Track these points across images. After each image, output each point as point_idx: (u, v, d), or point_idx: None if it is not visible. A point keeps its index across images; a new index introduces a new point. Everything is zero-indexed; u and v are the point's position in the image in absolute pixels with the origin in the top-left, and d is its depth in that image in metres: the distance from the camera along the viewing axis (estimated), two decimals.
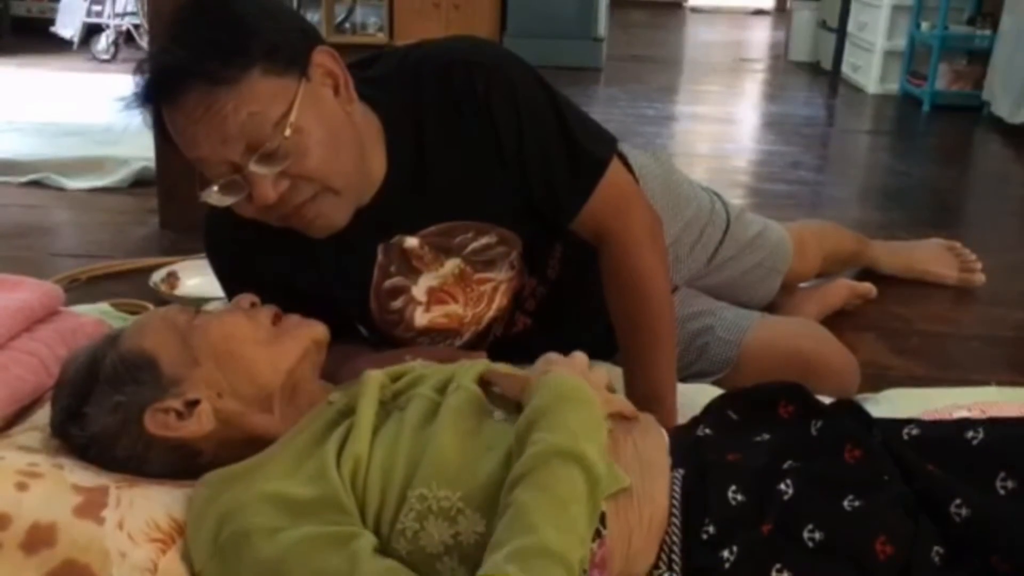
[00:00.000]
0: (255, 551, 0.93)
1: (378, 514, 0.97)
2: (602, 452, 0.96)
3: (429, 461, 0.98)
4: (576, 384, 1.00)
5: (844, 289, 2.12)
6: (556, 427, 0.94)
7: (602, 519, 0.96)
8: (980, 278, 2.30)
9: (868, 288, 2.14)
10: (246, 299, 1.18)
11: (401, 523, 0.96)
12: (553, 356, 1.09)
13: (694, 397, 1.38)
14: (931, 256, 2.33)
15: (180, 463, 1.09)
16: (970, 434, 0.98)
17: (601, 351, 1.57)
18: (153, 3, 2.54)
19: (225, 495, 1.00)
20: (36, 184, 3.02)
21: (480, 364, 1.15)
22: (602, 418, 1.00)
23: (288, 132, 1.12)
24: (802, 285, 2.09)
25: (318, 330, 1.16)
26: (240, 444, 1.08)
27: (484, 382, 1.10)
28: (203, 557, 0.98)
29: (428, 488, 0.96)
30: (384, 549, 0.97)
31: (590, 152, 1.33)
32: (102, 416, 1.07)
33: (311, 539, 0.92)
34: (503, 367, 1.16)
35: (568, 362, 1.08)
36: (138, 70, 1.14)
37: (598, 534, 0.95)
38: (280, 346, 1.12)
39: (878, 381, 1.70)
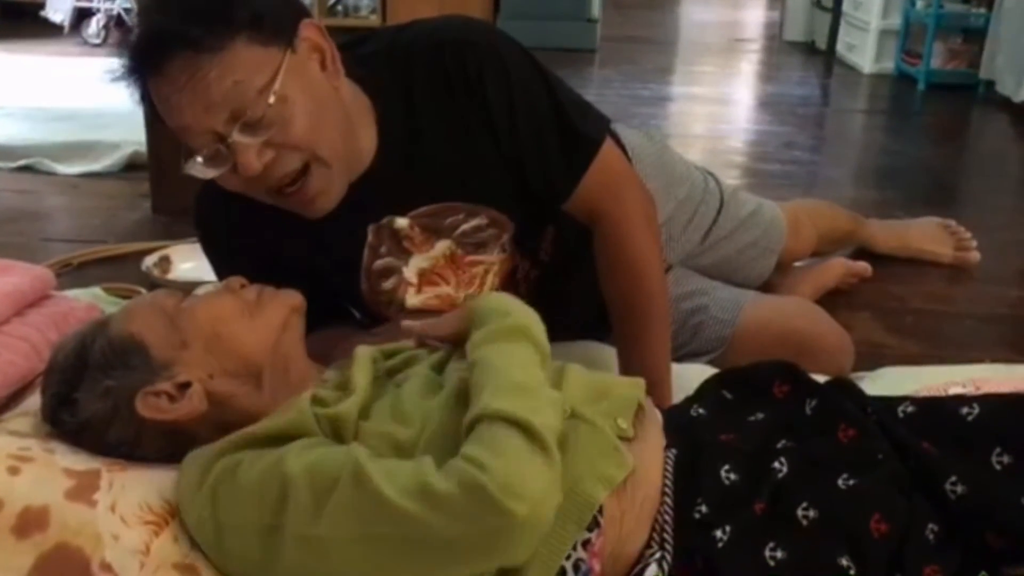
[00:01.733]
0: (245, 471, 0.94)
1: None
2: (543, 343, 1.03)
3: (431, 438, 0.97)
4: (508, 297, 1.09)
5: (839, 268, 2.12)
6: (502, 316, 1.03)
7: (600, 509, 0.96)
8: (975, 256, 2.30)
9: (863, 267, 2.14)
10: (236, 281, 1.17)
11: None
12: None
13: (688, 377, 1.38)
14: (926, 235, 2.33)
15: (172, 447, 1.08)
16: (965, 410, 0.98)
17: (594, 332, 1.58)
18: None
19: (205, 453, 1.01)
20: (27, 169, 3.02)
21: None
22: (527, 321, 1.05)
23: (272, 100, 1.11)
24: (797, 264, 2.09)
25: (295, 298, 1.16)
26: (232, 425, 1.07)
27: (421, 345, 1.14)
28: (195, 509, 0.98)
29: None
30: None
31: (583, 132, 1.32)
32: (93, 402, 1.07)
33: (302, 444, 0.95)
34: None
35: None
36: (122, 44, 1.13)
37: (596, 523, 0.95)
38: (262, 319, 1.12)
39: (873, 360, 1.70)
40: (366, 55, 1.31)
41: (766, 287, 1.96)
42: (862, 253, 2.26)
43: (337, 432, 0.99)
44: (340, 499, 0.88)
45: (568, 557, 0.93)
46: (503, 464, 0.84)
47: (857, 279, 2.13)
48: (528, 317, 1.05)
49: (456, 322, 1.09)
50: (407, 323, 1.17)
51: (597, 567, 0.94)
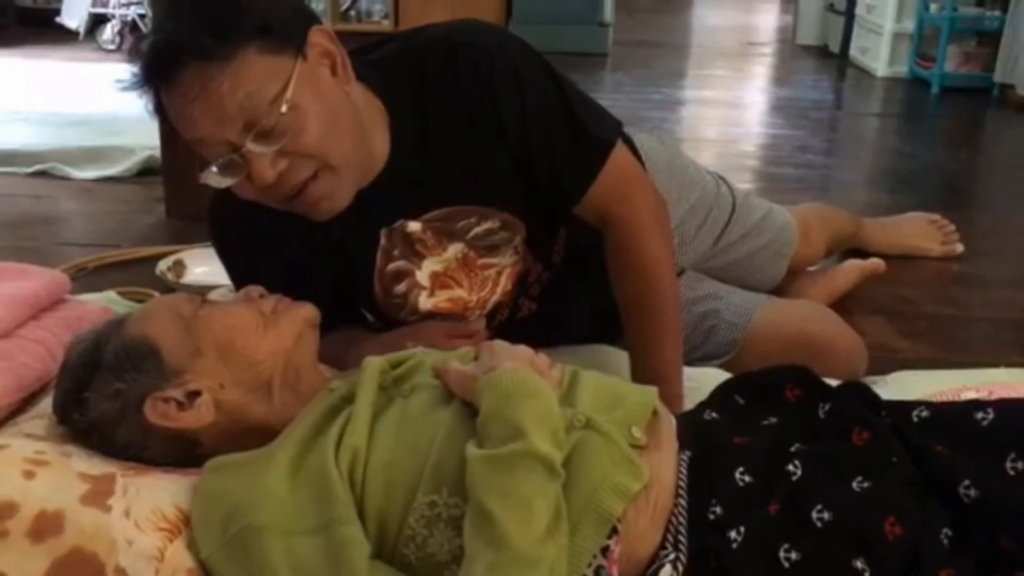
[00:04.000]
0: (265, 552, 0.94)
1: (383, 512, 0.97)
2: (556, 435, 0.95)
3: (439, 464, 0.97)
4: (519, 378, 0.98)
5: (853, 272, 2.11)
6: (506, 430, 0.93)
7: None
8: (958, 247, 2.39)
9: (876, 264, 2.13)
10: (255, 291, 1.18)
11: (410, 528, 0.96)
12: (497, 347, 1.06)
13: (701, 380, 1.38)
14: (915, 231, 2.38)
15: (179, 451, 1.09)
16: (979, 415, 0.97)
17: (606, 335, 1.58)
18: None
19: (232, 486, 1.00)
20: (43, 174, 3.03)
21: (446, 356, 1.14)
22: (552, 402, 0.98)
23: (284, 109, 1.11)
24: (810, 269, 2.08)
25: (308, 310, 1.16)
26: (240, 434, 1.08)
27: (436, 375, 1.08)
28: (210, 547, 0.98)
29: (439, 495, 0.96)
30: (391, 553, 0.97)
31: (595, 135, 1.32)
32: (102, 402, 1.07)
33: (317, 551, 0.94)
34: (463, 352, 1.15)
35: (511, 352, 1.05)
36: (133, 52, 1.14)
37: (614, 531, 0.95)
38: (276, 330, 1.12)
39: (886, 364, 1.70)
40: (378, 60, 1.31)
41: (778, 292, 1.95)
42: (855, 252, 2.26)
43: (353, 470, 0.98)
44: None
45: (589, 564, 0.93)
46: None
47: (872, 277, 2.11)
48: (533, 423, 0.94)
49: (467, 387, 1.03)
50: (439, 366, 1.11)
51: (615, 572, 0.94)
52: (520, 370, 0.99)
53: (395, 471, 0.98)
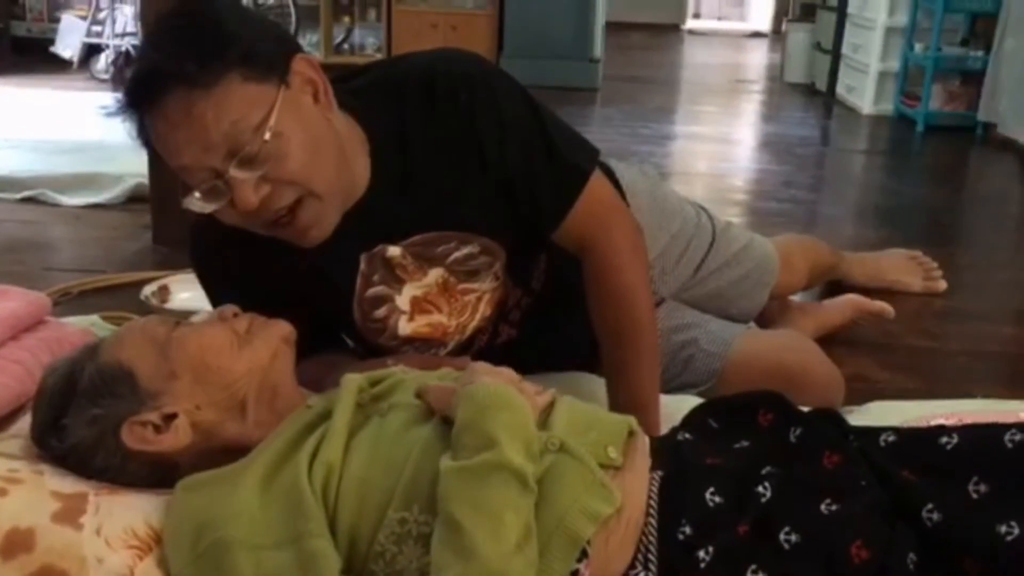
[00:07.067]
0: (235, 566, 0.94)
1: (354, 529, 0.98)
2: (529, 448, 0.96)
3: (412, 481, 0.98)
4: (496, 391, 0.99)
5: (848, 307, 2.09)
6: (480, 440, 0.94)
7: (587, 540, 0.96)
8: (942, 284, 2.39)
9: (881, 307, 2.08)
10: (229, 310, 1.19)
11: (380, 544, 0.97)
12: (478, 366, 1.08)
13: (678, 408, 1.38)
14: (897, 266, 2.40)
15: (157, 475, 1.09)
16: (944, 440, 0.98)
17: (586, 362, 1.59)
18: (149, 24, 2.57)
19: (203, 501, 1.00)
20: (32, 200, 3.04)
21: (428, 376, 1.15)
22: (528, 416, 1.00)
23: (268, 136, 1.13)
24: (795, 298, 2.10)
25: (283, 327, 1.17)
26: (217, 453, 1.08)
27: (419, 395, 1.09)
28: (181, 562, 0.98)
29: (409, 512, 0.97)
30: (360, 569, 0.97)
31: (572, 163, 1.34)
32: (79, 428, 1.07)
33: (287, 564, 0.94)
34: (443, 372, 1.17)
35: (493, 371, 1.07)
36: (119, 79, 1.16)
37: (584, 554, 0.95)
38: (251, 349, 1.13)
39: (865, 395, 1.70)
40: (360, 87, 1.33)
41: (767, 322, 1.97)
42: (837, 285, 2.27)
43: (326, 486, 0.99)
44: None
45: None
46: None
47: (874, 319, 2.09)
48: (507, 434, 0.95)
49: (446, 404, 1.04)
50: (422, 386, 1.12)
51: None
52: (497, 384, 1.01)
53: (368, 488, 0.99)
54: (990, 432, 0.97)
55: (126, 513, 1.04)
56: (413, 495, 0.97)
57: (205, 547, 0.96)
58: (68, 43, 5.81)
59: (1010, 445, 0.95)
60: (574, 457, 1.00)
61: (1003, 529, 0.88)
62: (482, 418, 0.96)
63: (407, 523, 0.96)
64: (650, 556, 0.97)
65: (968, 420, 1.15)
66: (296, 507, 0.97)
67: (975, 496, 0.93)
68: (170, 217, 2.53)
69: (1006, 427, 0.97)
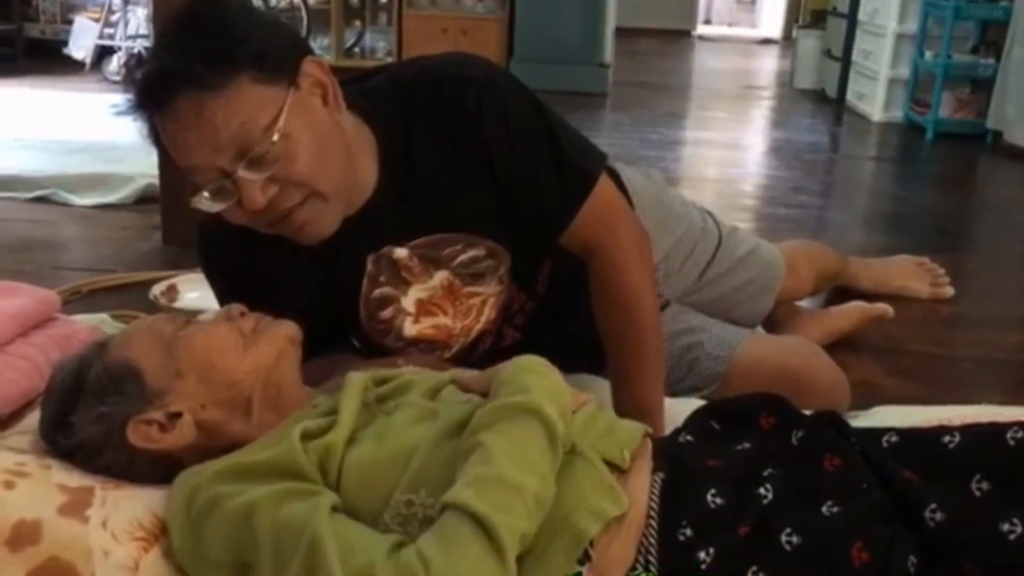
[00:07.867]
0: (224, 511, 0.97)
1: (354, 511, 0.99)
2: (562, 412, 1.01)
3: (422, 468, 0.99)
4: (537, 361, 1.06)
5: (855, 313, 2.10)
6: (517, 390, 1.00)
7: (590, 543, 0.97)
8: (949, 291, 2.40)
9: (884, 308, 2.11)
10: (236, 309, 1.19)
11: (384, 525, 0.98)
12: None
13: (681, 411, 1.38)
14: (904, 272, 2.40)
15: (162, 472, 1.10)
16: (946, 439, 0.99)
17: (590, 366, 1.59)
18: (161, 24, 2.58)
19: (194, 478, 1.03)
20: (43, 200, 3.07)
21: (437, 376, 1.18)
22: (564, 386, 1.05)
23: (276, 137, 1.14)
24: (801, 303, 2.10)
25: (289, 328, 1.18)
26: (221, 452, 1.09)
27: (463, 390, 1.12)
28: (179, 536, 1.01)
29: (417, 495, 0.98)
30: None
31: (579, 167, 1.35)
32: (86, 426, 1.08)
33: (277, 493, 0.97)
34: (454, 372, 1.21)
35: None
36: (129, 79, 1.17)
37: (587, 557, 0.96)
38: (256, 349, 1.13)
39: (870, 400, 1.70)
40: (369, 90, 1.34)
41: (773, 327, 1.97)
42: (844, 292, 2.27)
43: (324, 463, 1.01)
44: (297, 571, 0.91)
45: None
46: (449, 564, 0.86)
47: (877, 321, 2.11)
48: (544, 393, 1.00)
49: (485, 382, 1.08)
50: (458, 373, 1.17)
51: None
52: (537, 358, 1.06)
53: (374, 471, 1.00)
54: (992, 430, 0.98)
55: (132, 505, 1.05)
56: (422, 480, 0.98)
57: (197, 510, 0.99)
58: (81, 45, 5.86)
59: (1012, 443, 0.96)
60: (583, 458, 1.02)
61: (1006, 527, 0.89)
62: (521, 375, 1.02)
63: (413, 505, 0.97)
64: (651, 557, 0.97)
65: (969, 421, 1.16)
66: (288, 468, 1.00)
67: (978, 494, 0.94)
68: (180, 217, 2.53)
69: (1008, 425, 0.98)
